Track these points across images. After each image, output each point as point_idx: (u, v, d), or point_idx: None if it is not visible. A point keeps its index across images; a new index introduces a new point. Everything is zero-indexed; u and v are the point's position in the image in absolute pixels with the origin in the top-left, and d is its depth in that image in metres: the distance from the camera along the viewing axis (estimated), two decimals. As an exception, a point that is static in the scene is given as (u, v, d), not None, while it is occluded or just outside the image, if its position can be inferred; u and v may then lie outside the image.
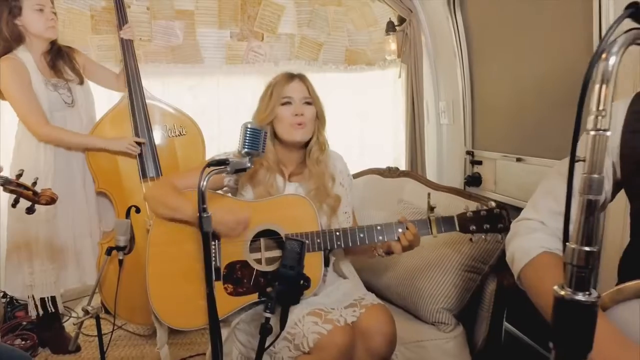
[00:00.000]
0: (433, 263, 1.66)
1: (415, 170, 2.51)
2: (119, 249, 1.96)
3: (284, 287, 1.14)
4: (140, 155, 2.21)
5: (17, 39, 1.98)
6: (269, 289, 1.16)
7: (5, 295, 2.48)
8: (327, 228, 1.51)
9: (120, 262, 1.99)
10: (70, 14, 2.74)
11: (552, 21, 1.70)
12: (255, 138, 1.28)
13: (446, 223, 1.43)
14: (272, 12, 3.08)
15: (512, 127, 1.98)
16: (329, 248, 1.47)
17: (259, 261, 1.50)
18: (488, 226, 1.41)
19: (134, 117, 2.22)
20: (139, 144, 2.20)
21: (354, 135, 3.14)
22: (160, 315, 1.48)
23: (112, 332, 2.21)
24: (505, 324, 1.61)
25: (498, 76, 2.06)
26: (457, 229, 1.43)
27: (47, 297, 2.19)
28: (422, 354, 1.48)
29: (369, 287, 1.63)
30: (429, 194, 1.51)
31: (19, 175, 1.34)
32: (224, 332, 1.52)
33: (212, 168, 1.20)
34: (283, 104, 1.53)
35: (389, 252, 1.48)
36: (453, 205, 1.99)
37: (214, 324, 1.22)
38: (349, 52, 3.16)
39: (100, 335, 1.98)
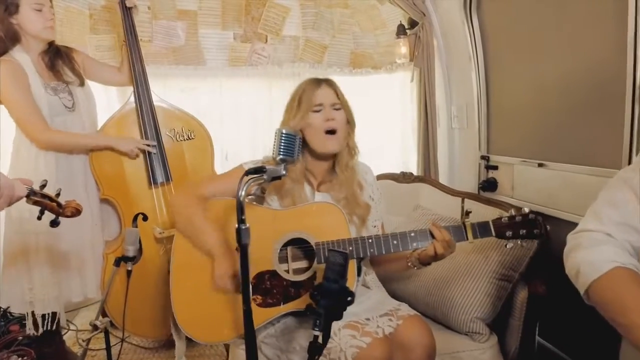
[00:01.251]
0: (462, 271, 1.62)
1: (428, 175, 2.48)
2: (127, 259, 1.88)
3: (328, 302, 1.08)
4: (149, 160, 2.11)
5: (13, 38, 1.85)
6: (310, 303, 1.09)
7: (-2, 308, 2.35)
8: None
9: (129, 273, 1.91)
10: (68, 13, 2.62)
11: (578, 21, 1.68)
12: (290, 144, 1.23)
13: (482, 229, 1.39)
14: (277, 14, 3.02)
15: (533, 132, 1.96)
16: (361, 256, 1.41)
17: (287, 271, 1.44)
18: (524, 232, 1.37)
19: (142, 119, 2.13)
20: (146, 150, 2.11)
21: (359, 140, 3.09)
22: (185, 327, 1.41)
23: (121, 344, 2.11)
24: (538, 338, 1.58)
25: (517, 79, 2.05)
26: (493, 234, 1.39)
27: (48, 314, 2.07)
28: (459, 366, 1.44)
29: (394, 297, 1.58)
30: (462, 199, 1.48)
31: (43, 186, 1.25)
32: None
33: (250, 177, 1.13)
34: (314, 112, 1.47)
35: (424, 263, 1.44)
36: (474, 211, 1.97)
37: (250, 340, 1.15)
38: (354, 55, 3.12)
39: (108, 349, 1.90)
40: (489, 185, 2.23)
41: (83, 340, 1.84)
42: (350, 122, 1.54)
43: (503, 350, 1.55)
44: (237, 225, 1.11)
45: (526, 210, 1.41)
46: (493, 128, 2.24)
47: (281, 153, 1.20)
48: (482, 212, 1.91)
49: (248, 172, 1.15)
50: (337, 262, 1.12)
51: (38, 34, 1.90)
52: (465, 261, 1.64)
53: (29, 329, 2.04)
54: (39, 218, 1.28)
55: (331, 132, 1.49)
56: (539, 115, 1.93)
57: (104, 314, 2.55)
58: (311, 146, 1.49)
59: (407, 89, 2.83)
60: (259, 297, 1.38)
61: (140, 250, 2.07)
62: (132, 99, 2.19)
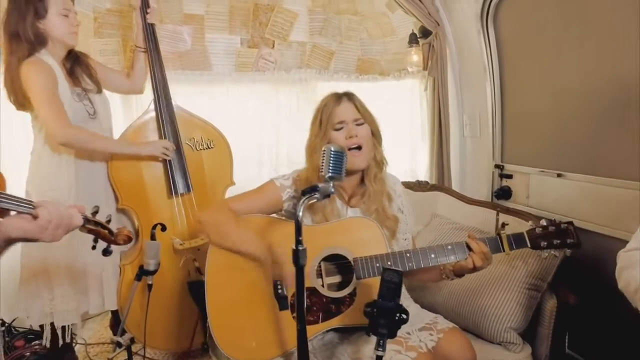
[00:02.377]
0: (491, 281, 1.65)
1: (441, 183, 2.51)
2: (148, 273, 1.84)
3: (387, 320, 1.08)
4: (170, 169, 2.08)
5: (41, 41, 1.82)
6: (373, 326, 1.09)
7: (3, 323, 2.27)
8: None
9: (150, 287, 1.86)
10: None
11: (599, 34, 1.72)
12: (339, 161, 1.22)
13: (517, 240, 1.40)
14: (285, 19, 3.01)
15: (551, 142, 2.00)
16: (400, 270, 1.42)
17: (322, 286, 1.43)
18: (558, 242, 1.39)
19: (163, 129, 2.09)
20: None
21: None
22: (224, 348, 1.37)
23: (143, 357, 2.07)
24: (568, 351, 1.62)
25: (533, 90, 2.09)
26: (529, 245, 1.40)
27: (67, 325, 2.01)
28: (495, 377, 1.46)
29: (422, 307, 1.59)
30: (497, 211, 1.50)
31: (95, 212, 1.21)
32: None
33: (306, 197, 1.12)
34: (336, 130, 1.47)
35: (458, 275, 1.46)
36: (490, 220, 2.01)
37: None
38: (361, 62, 3.13)
39: (130, 365, 1.85)
40: (504, 193, 2.27)
41: (108, 359, 1.79)
42: (375, 135, 1.53)
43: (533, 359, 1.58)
44: (294, 247, 1.10)
45: (557, 219, 1.44)
46: (508, 138, 2.28)
47: (330, 171, 1.19)
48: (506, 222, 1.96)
49: (304, 193, 1.14)
50: (393, 281, 1.12)
51: (63, 39, 1.87)
52: (493, 271, 1.66)
53: (45, 339, 1.99)
54: (94, 248, 1.24)
55: (356, 148, 1.48)
56: (557, 126, 1.97)
57: (114, 326, 2.53)
58: None
59: (417, 96, 2.86)
60: (301, 314, 1.37)
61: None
62: (152, 107, 2.15)
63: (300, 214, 1.09)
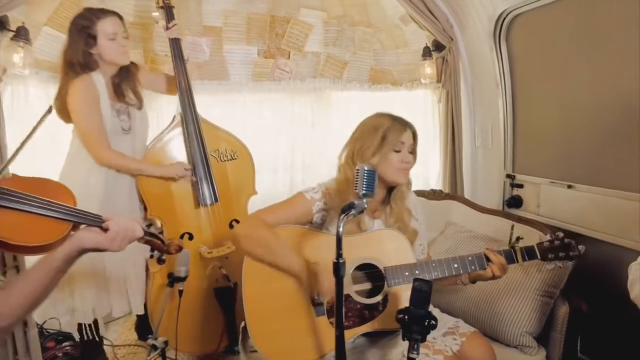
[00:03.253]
0: (507, 288, 1.75)
1: (454, 192, 2.61)
2: (179, 279, 1.93)
3: (419, 327, 1.18)
4: (198, 182, 2.17)
5: (91, 66, 1.99)
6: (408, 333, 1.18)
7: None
8: None
9: (180, 292, 1.96)
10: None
11: (607, 54, 1.82)
12: (372, 180, 1.31)
13: (529, 252, 1.50)
14: (300, 31, 3.10)
15: (561, 155, 2.10)
16: (426, 279, 1.52)
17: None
18: (563, 254, 1.49)
19: (189, 142, 2.18)
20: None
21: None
22: (265, 353, 1.45)
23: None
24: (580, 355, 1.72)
25: (544, 105, 2.19)
26: (539, 257, 1.50)
27: (85, 324, 2.14)
28: (513, 379, 1.56)
29: (443, 312, 1.69)
30: (512, 226, 1.60)
31: (150, 225, 1.30)
32: None
33: (346, 214, 1.22)
34: (395, 151, 1.55)
35: (473, 281, 1.56)
36: (502, 228, 2.11)
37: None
38: (373, 72, 3.23)
39: (164, 368, 1.94)
40: (514, 202, 2.37)
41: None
42: (414, 161, 1.64)
43: (547, 362, 1.69)
44: (335, 260, 1.19)
45: (561, 234, 1.53)
46: (519, 149, 2.37)
47: (364, 189, 1.29)
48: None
49: (343, 210, 1.23)
50: (423, 290, 1.22)
51: (114, 60, 2.03)
52: (509, 279, 1.76)
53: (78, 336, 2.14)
54: (152, 256, 1.33)
55: (404, 170, 1.58)
56: (567, 140, 2.07)
57: (138, 328, 2.62)
58: (383, 177, 1.54)
59: (429, 106, 2.96)
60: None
61: (187, 269, 2.13)
62: (176, 120, 2.24)
63: (341, 229, 1.19)
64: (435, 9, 2.46)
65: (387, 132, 1.55)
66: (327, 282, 1.38)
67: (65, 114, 2.00)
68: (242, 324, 1.52)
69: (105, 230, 1.08)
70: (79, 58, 1.94)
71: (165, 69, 2.94)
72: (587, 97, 1.96)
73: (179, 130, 2.23)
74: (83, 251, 1.06)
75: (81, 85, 1.93)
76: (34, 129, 1.17)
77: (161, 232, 1.39)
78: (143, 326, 2.58)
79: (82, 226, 1.09)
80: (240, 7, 2.97)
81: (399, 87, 3.13)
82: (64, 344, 2.37)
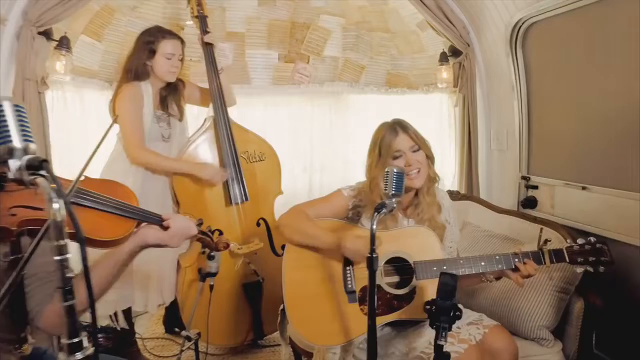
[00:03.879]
0: (526, 285, 1.83)
1: (470, 193, 2.70)
2: (210, 275, 2.05)
3: (445, 317, 1.28)
4: (229, 182, 2.30)
5: (143, 76, 2.20)
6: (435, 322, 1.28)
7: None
8: None
9: (211, 287, 2.07)
10: (127, 37, 2.76)
11: (620, 64, 1.90)
12: (400, 181, 1.41)
13: (557, 256, 1.54)
14: (319, 36, 3.21)
15: (576, 157, 2.18)
16: (456, 275, 1.61)
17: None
18: (594, 259, 1.52)
19: (221, 144, 2.31)
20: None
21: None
22: (304, 335, 1.58)
23: (205, 355, 2.27)
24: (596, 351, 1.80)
25: (559, 109, 2.27)
26: (567, 260, 1.54)
27: (118, 317, 2.30)
28: (531, 369, 1.66)
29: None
30: (541, 229, 1.68)
31: (201, 224, 1.41)
32: (339, 354, 1.65)
33: (379, 213, 1.32)
34: (394, 158, 1.64)
35: (498, 278, 1.65)
36: (520, 228, 2.19)
37: (372, 350, 1.34)
38: (390, 76, 3.32)
39: (197, 357, 2.06)
40: (529, 202, 2.45)
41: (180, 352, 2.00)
42: (429, 157, 1.72)
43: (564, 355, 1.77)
44: (368, 254, 1.29)
45: (592, 239, 1.55)
46: (534, 152, 2.46)
47: (393, 190, 1.39)
48: (527, 228, 2.14)
49: (376, 209, 1.33)
50: (450, 283, 1.31)
51: (162, 76, 2.23)
52: (526, 275, 1.85)
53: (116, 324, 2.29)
54: (203, 253, 1.45)
55: (416, 172, 1.66)
56: (582, 143, 2.15)
57: (166, 322, 2.74)
58: None
59: (445, 110, 3.05)
60: (366, 307, 1.56)
61: (217, 265, 2.24)
62: (208, 123, 2.37)
63: (375, 227, 1.29)
64: (452, 16, 2.56)
65: (381, 144, 1.64)
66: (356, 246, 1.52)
67: (111, 111, 2.21)
68: (281, 307, 1.63)
69: (166, 228, 1.19)
70: (136, 67, 2.16)
71: (191, 73, 3.07)
72: (600, 103, 2.03)
73: (209, 133, 2.35)
74: (145, 246, 1.18)
75: (128, 91, 2.14)
76: (102, 138, 1.28)
77: (211, 231, 1.50)
78: (170, 319, 2.71)
79: (144, 224, 1.20)
80: (262, 14, 3.09)
81: (415, 91, 3.22)
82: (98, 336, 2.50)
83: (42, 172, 0.61)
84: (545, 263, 1.56)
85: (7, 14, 1.93)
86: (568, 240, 1.68)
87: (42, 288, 1.09)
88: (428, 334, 1.54)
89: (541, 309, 1.76)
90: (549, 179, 2.36)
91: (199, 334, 2.07)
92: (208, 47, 2.39)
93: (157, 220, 1.20)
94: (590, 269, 1.55)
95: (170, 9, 2.92)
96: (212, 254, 1.50)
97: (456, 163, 2.88)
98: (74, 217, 0.62)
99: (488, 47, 2.58)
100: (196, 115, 2.74)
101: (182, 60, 2.30)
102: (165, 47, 2.20)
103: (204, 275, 2.02)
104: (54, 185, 0.60)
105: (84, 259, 0.69)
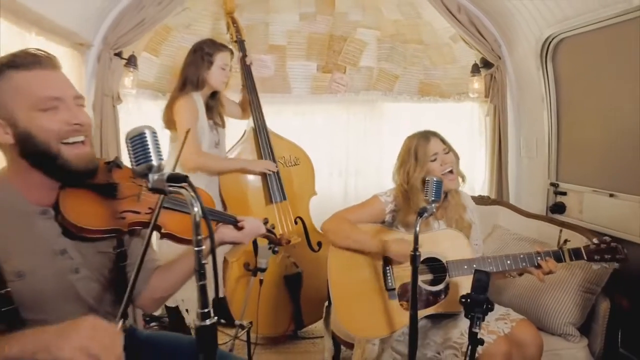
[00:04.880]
0: (552, 284, 1.96)
1: (500, 198, 2.83)
2: (261, 270, 2.26)
3: (479, 309, 1.45)
4: (269, 182, 2.54)
5: (200, 86, 2.40)
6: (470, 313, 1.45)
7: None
8: None
9: (261, 281, 2.29)
10: (179, 51, 3.01)
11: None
12: (439, 188, 1.60)
13: (576, 254, 1.70)
14: (356, 48, 3.39)
15: (604, 166, 2.29)
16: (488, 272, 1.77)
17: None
18: (609, 256, 1.68)
19: (262, 151, 2.55)
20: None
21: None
22: (347, 328, 1.78)
23: (254, 345, 2.47)
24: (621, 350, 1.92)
25: (588, 120, 2.38)
26: (585, 258, 1.70)
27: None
28: (558, 362, 1.80)
29: (493, 304, 1.94)
30: (560, 230, 1.83)
31: (267, 222, 1.62)
32: (377, 345, 1.83)
33: (422, 217, 1.50)
34: (431, 161, 1.84)
35: (521, 274, 1.80)
36: (546, 231, 2.33)
37: (414, 339, 1.52)
38: (422, 85, 3.47)
39: (249, 345, 2.28)
40: (558, 208, 2.57)
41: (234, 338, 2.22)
42: (456, 158, 1.91)
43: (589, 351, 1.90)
44: (412, 252, 1.48)
45: (608, 239, 1.71)
46: (562, 159, 2.58)
47: (433, 196, 1.57)
48: (554, 232, 2.27)
49: (420, 214, 1.51)
50: (483, 279, 1.48)
51: (216, 85, 2.45)
52: (554, 275, 1.97)
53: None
54: (269, 249, 1.66)
55: (449, 172, 1.86)
56: (610, 152, 2.26)
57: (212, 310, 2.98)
58: None
59: (475, 118, 3.19)
60: (405, 302, 1.75)
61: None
62: (248, 133, 2.65)
63: (418, 228, 1.47)
64: (484, 30, 2.70)
65: (417, 151, 1.85)
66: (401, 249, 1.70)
67: (169, 123, 2.41)
68: (326, 304, 1.82)
69: (240, 228, 1.40)
70: (195, 76, 2.36)
71: (232, 83, 3.31)
72: (627, 115, 2.14)
73: (249, 142, 2.62)
74: (222, 243, 1.39)
75: (185, 102, 2.34)
76: (182, 145, 1.51)
77: (274, 228, 1.72)
78: (217, 311, 2.95)
79: (220, 224, 1.42)
80: (302, 27, 3.29)
81: (447, 99, 3.36)
82: (151, 324, 2.76)
83: (184, 185, 0.82)
84: (565, 261, 1.70)
85: (92, 40, 2.21)
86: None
87: (140, 274, 1.32)
88: (461, 326, 1.71)
89: (567, 307, 1.90)
90: (577, 185, 2.47)
91: (251, 322, 2.30)
92: (248, 68, 2.64)
93: (233, 221, 1.41)
94: (607, 266, 1.69)
95: (218, 26, 3.17)
96: (276, 248, 1.71)
97: (486, 169, 3.02)
98: (207, 217, 0.82)
99: (519, 59, 2.71)
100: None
101: (230, 71, 2.50)
102: (221, 58, 2.41)
103: (255, 270, 2.26)
104: (193, 194, 0.81)
105: (213, 249, 0.90)
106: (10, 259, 1.06)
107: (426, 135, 1.90)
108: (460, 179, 1.92)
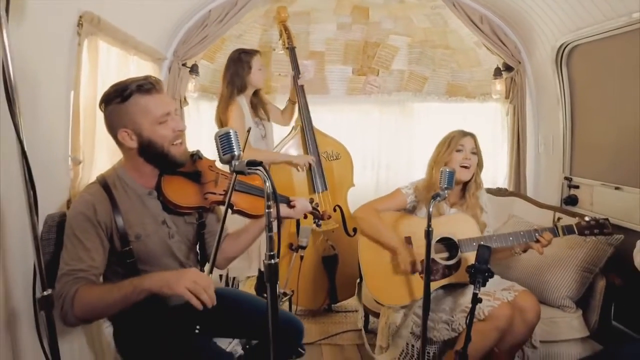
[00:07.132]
0: (555, 262, 2.24)
1: (518, 191, 3.10)
2: (302, 247, 2.65)
3: (481, 276, 1.77)
4: (313, 174, 2.92)
5: (243, 89, 2.75)
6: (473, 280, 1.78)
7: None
8: None
9: (302, 258, 2.69)
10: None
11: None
12: (451, 177, 1.92)
13: (568, 229, 1.98)
14: (388, 52, 3.72)
15: (612, 162, 2.52)
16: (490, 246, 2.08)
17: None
18: (597, 230, 1.96)
19: (307, 144, 2.93)
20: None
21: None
22: (376, 296, 2.15)
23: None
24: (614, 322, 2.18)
25: (599, 120, 2.61)
26: (576, 232, 1.98)
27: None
28: (555, 328, 2.10)
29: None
30: (554, 212, 2.11)
31: (312, 201, 2.00)
32: (401, 313, 2.18)
33: (435, 200, 1.84)
34: (457, 151, 2.16)
35: (524, 251, 2.10)
36: (560, 221, 2.58)
37: (427, 304, 1.86)
38: (450, 86, 3.76)
39: (290, 310, 2.68)
40: (571, 200, 2.82)
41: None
42: (479, 165, 2.21)
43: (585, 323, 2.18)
44: (426, 229, 1.82)
45: (598, 216, 2.00)
46: (576, 156, 2.82)
47: (446, 183, 1.90)
48: (565, 221, 2.52)
49: (433, 197, 1.85)
50: (485, 252, 1.81)
51: (257, 84, 2.80)
52: (556, 255, 2.26)
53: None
54: (315, 222, 2.04)
55: (465, 167, 2.17)
56: (618, 149, 2.49)
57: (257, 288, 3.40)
58: None
59: (498, 117, 3.45)
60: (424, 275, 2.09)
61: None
62: (295, 130, 3.03)
63: (431, 209, 1.81)
64: (505, 38, 2.96)
65: (452, 139, 2.17)
66: (418, 253, 2.04)
67: (219, 122, 2.77)
68: (358, 280, 2.19)
69: (292, 206, 1.79)
70: (240, 81, 2.70)
71: (279, 85, 3.73)
72: (634, 115, 2.37)
73: (296, 138, 3.00)
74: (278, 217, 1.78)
75: (235, 106, 2.68)
76: (245, 142, 1.91)
77: (318, 205, 2.07)
78: (260, 286, 3.37)
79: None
80: (340, 35, 3.66)
81: (473, 100, 3.64)
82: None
83: (260, 168, 1.22)
84: (559, 235, 1.99)
85: (166, 54, 2.68)
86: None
87: (214, 239, 1.74)
88: (469, 294, 2.02)
89: (566, 282, 2.18)
90: (588, 179, 2.71)
91: (292, 291, 2.71)
92: (300, 87, 3.00)
93: (286, 201, 1.81)
94: (596, 238, 1.97)
95: (265, 36, 3.60)
96: (320, 223, 2.07)
97: (507, 164, 3.28)
98: (275, 191, 1.21)
99: (537, 64, 2.96)
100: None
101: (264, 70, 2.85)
102: (257, 61, 2.76)
103: (297, 248, 2.65)
104: (266, 175, 1.20)
105: (278, 215, 1.26)
106: (131, 226, 1.50)
107: (465, 132, 2.22)
108: (474, 184, 2.20)
